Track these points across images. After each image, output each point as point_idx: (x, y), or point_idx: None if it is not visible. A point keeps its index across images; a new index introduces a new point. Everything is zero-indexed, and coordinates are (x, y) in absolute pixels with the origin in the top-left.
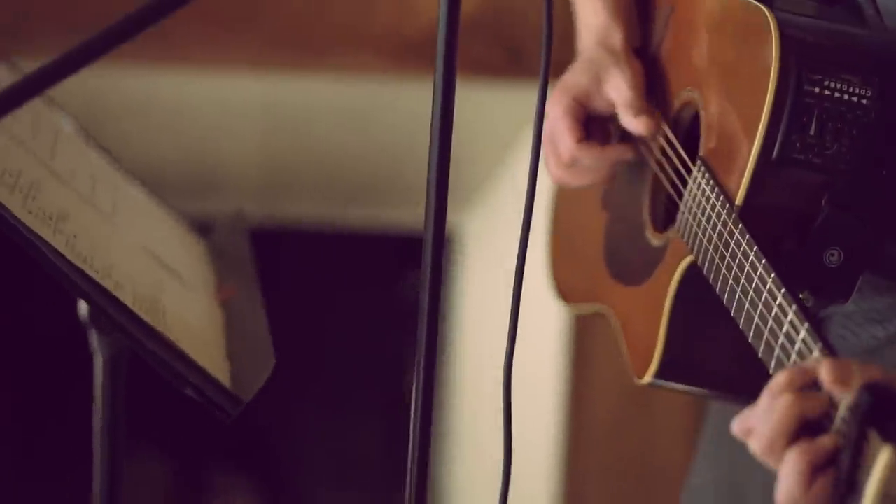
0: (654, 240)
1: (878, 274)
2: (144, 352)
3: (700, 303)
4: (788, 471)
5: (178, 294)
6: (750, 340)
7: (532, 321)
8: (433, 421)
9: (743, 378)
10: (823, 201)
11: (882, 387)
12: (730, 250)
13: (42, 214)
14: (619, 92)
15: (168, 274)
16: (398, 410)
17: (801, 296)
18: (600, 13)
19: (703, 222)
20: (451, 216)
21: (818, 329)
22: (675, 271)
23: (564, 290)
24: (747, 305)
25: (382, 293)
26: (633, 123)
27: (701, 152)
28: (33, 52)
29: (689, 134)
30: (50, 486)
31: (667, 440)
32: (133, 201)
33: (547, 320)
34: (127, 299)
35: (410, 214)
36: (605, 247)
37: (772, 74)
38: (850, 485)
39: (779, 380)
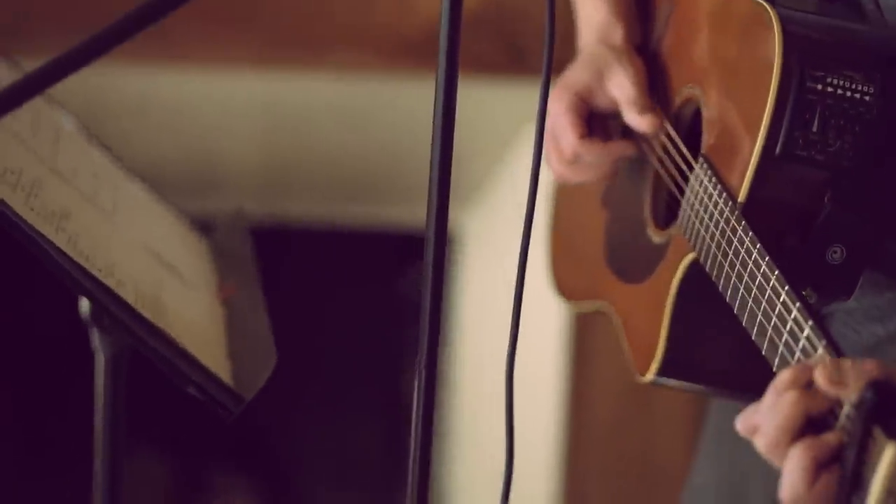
0: (656, 237)
1: (880, 271)
2: (146, 350)
3: (702, 300)
4: (793, 467)
5: (179, 292)
6: (753, 338)
7: (532, 319)
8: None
9: (745, 375)
10: (826, 198)
11: (886, 384)
12: (732, 247)
13: (44, 212)
14: (622, 89)
15: (169, 272)
16: (398, 410)
17: (803, 293)
18: (601, 10)
19: (706, 219)
20: (451, 214)
21: (822, 326)
22: (677, 269)
23: (565, 287)
24: (750, 303)
25: (383, 292)
26: (637, 121)
27: (703, 149)
28: (34, 51)
29: (690, 131)
30: (51, 485)
31: (667, 439)
32: (134, 200)
33: (547, 318)
34: (129, 297)
35: (411, 213)
36: (606, 244)
37: (774, 71)
38: (855, 481)
39: (783, 377)
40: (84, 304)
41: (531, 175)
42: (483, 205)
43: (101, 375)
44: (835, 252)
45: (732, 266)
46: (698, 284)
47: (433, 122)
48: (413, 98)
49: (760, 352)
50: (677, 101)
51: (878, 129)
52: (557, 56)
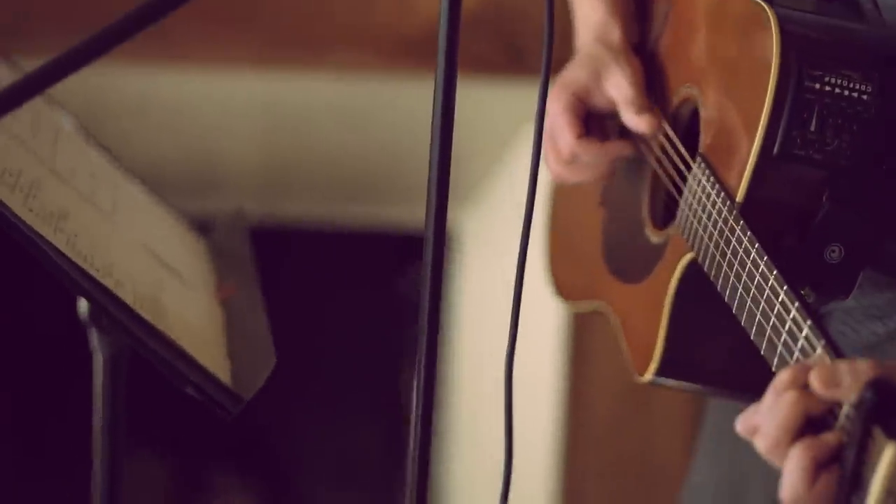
0: (654, 237)
1: (879, 270)
2: (145, 350)
3: (701, 300)
4: (793, 467)
5: (178, 293)
6: (752, 338)
7: (531, 319)
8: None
9: (744, 375)
10: (824, 197)
11: (886, 384)
12: (731, 247)
13: (43, 213)
14: (619, 89)
15: (168, 272)
16: (397, 409)
17: (802, 292)
18: (598, 9)
19: (704, 219)
20: (450, 214)
21: (821, 326)
22: (675, 268)
23: (563, 287)
24: (749, 302)
25: (382, 292)
26: (635, 121)
27: (701, 149)
28: (33, 51)
29: (688, 130)
30: (50, 486)
31: (666, 438)
32: (133, 200)
33: (545, 318)
34: (127, 298)
35: (409, 213)
36: (604, 244)
37: (772, 70)
38: (855, 481)
39: (782, 377)
40: (83, 305)
41: (530, 174)
42: (481, 204)
43: (99, 376)
44: (833, 251)
45: (731, 266)
46: (696, 284)
47: (432, 122)
48: (413, 98)
49: (759, 351)
50: (675, 100)
51: (875, 128)
52: (556, 55)
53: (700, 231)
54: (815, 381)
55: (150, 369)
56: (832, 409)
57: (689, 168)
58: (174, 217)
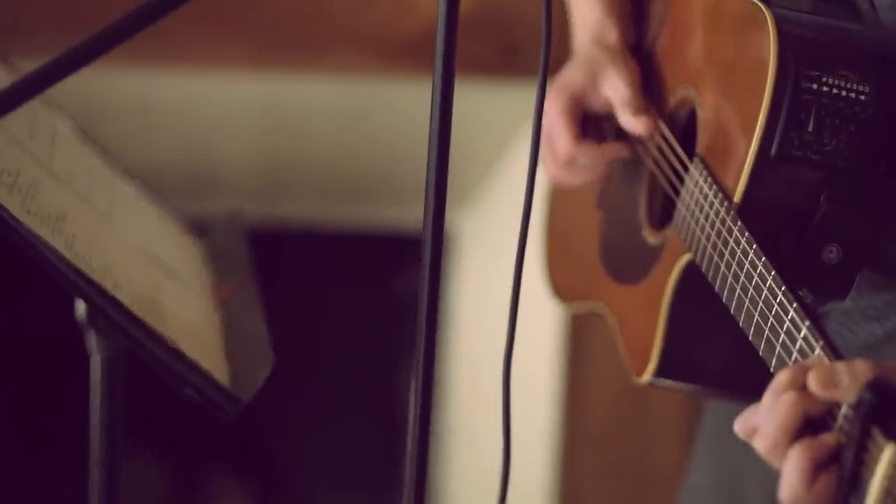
0: (651, 238)
1: (877, 271)
2: (143, 352)
3: (698, 301)
4: (792, 468)
5: (176, 294)
6: (750, 338)
7: (528, 320)
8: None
9: (742, 376)
10: (822, 198)
11: (885, 385)
12: (728, 248)
13: (41, 214)
14: (616, 91)
15: (166, 274)
16: (395, 411)
17: (799, 293)
18: (595, 10)
19: (702, 220)
20: (447, 215)
21: (819, 326)
22: (672, 270)
23: (560, 289)
24: (747, 303)
25: (379, 293)
26: (632, 123)
27: (698, 150)
28: (31, 53)
29: (685, 131)
30: (47, 488)
31: (663, 439)
32: (130, 201)
33: (543, 319)
34: (126, 299)
35: (407, 214)
36: (601, 245)
37: (770, 71)
38: (854, 482)
39: (781, 378)
40: (80, 307)
41: (528, 175)
42: (479, 206)
43: (97, 377)
44: (831, 252)
45: (728, 267)
46: (694, 285)
47: (430, 124)
48: (410, 99)
49: (757, 352)
50: (672, 101)
51: (873, 129)
52: (552, 56)
53: (697, 232)
54: (813, 381)
55: (148, 371)
56: (831, 410)
57: (686, 169)
58: (171, 218)
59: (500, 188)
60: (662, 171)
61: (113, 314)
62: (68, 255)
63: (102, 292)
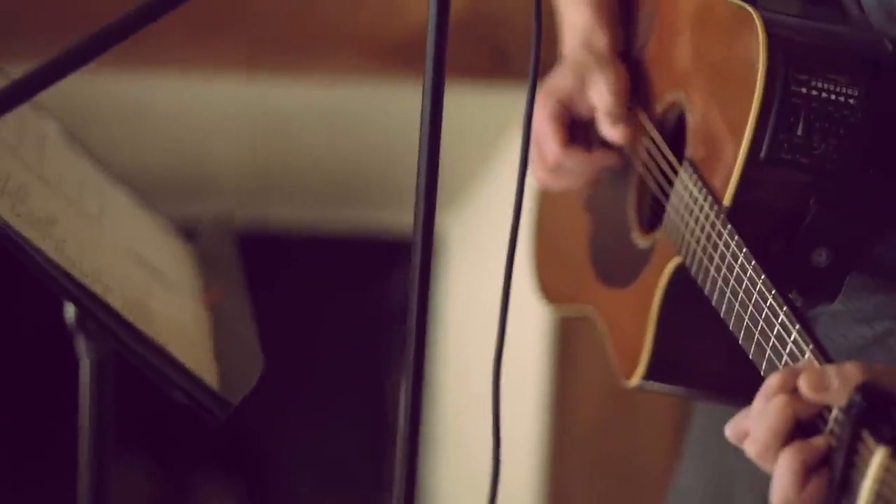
0: (641, 241)
1: (866, 274)
2: (133, 356)
3: (688, 304)
4: (783, 471)
5: (165, 298)
6: (740, 342)
7: (516, 323)
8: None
9: (732, 379)
10: (811, 201)
11: (875, 388)
12: (718, 251)
13: (31, 219)
14: (600, 97)
15: (155, 278)
16: (384, 414)
17: (789, 296)
18: (584, 14)
19: (691, 223)
20: (436, 219)
21: (809, 330)
22: (662, 273)
23: (549, 292)
24: (737, 307)
25: (368, 295)
26: (610, 132)
27: (687, 153)
28: (25, 55)
29: (674, 135)
30: (36, 491)
31: (651, 441)
32: (120, 205)
33: (531, 322)
34: (115, 303)
35: (397, 217)
36: (590, 249)
37: (759, 74)
38: (845, 485)
39: (771, 382)
40: (69, 310)
41: (518, 179)
42: (467, 208)
43: (86, 381)
44: (820, 255)
45: (718, 270)
46: (684, 289)
47: (420, 128)
48: (400, 102)
49: (747, 355)
50: (661, 105)
51: (862, 132)
52: (541, 59)
53: (687, 235)
54: (804, 384)
55: (137, 374)
56: (821, 414)
57: (675, 173)
58: (161, 222)
59: (489, 191)
60: (652, 174)
61: (103, 318)
62: (58, 259)
63: (92, 296)
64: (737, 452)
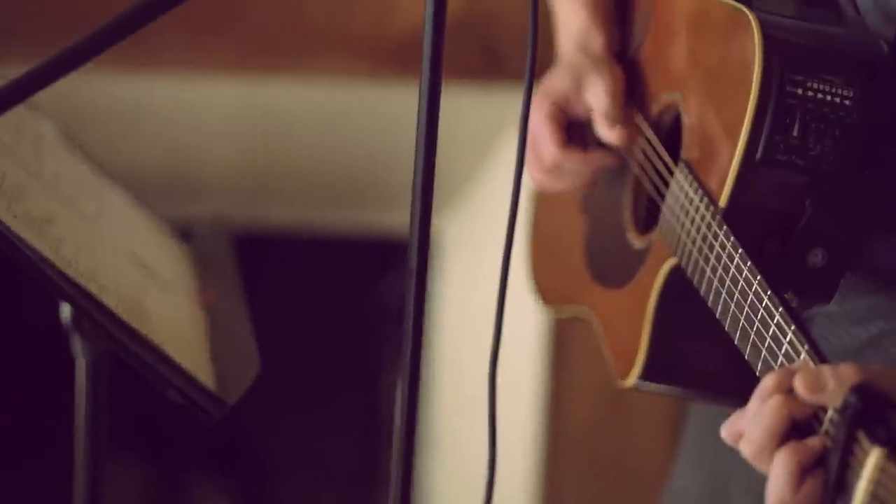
0: (637, 242)
1: (861, 275)
2: (128, 355)
3: (684, 305)
4: (778, 472)
5: (161, 298)
6: (736, 342)
7: (512, 324)
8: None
9: (727, 380)
10: (807, 202)
11: (870, 389)
12: (714, 252)
13: (27, 218)
14: (597, 99)
15: (151, 278)
16: (379, 415)
17: (785, 297)
18: (579, 15)
19: (687, 224)
20: (432, 220)
21: (805, 330)
22: (658, 273)
23: (544, 292)
24: (733, 307)
25: (365, 297)
26: (607, 133)
27: (683, 154)
28: (18, 58)
29: (670, 136)
30: (31, 490)
31: (645, 441)
32: (116, 206)
33: (526, 323)
34: (111, 303)
35: (393, 218)
36: (586, 249)
37: (755, 75)
38: (840, 486)
39: (767, 383)
40: (65, 310)
41: (514, 180)
42: (463, 210)
43: (81, 380)
44: (815, 256)
45: (714, 271)
46: (679, 289)
47: (417, 129)
48: (395, 102)
49: (742, 356)
50: (657, 106)
51: (858, 133)
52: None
53: (683, 236)
54: (799, 385)
55: (133, 373)
56: (817, 414)
57: (671, 173)
58: (157, 223)
59: (484, 193)
60: (647, 175)
61: (99, 317)
62: (54, 259)
63: (88, 296)
64: (732, 453)
